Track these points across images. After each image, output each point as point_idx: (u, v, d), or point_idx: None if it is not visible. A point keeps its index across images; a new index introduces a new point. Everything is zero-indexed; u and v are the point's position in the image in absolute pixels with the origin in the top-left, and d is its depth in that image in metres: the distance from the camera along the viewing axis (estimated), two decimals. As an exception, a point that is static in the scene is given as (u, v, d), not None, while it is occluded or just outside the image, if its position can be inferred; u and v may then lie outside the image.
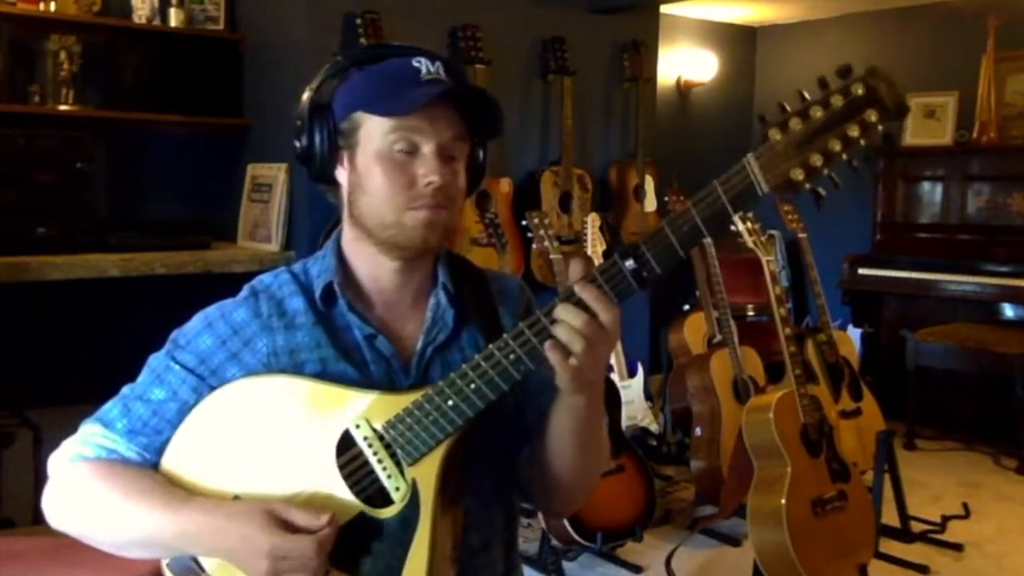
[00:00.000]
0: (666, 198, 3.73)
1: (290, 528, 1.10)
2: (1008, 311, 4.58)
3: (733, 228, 2.97)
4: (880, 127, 1.04)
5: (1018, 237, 4.51)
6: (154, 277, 3.14)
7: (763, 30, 6.06)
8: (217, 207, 3.77)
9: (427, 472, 1.14)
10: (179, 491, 1.17)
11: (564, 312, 1.07)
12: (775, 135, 1.05)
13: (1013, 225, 4.56)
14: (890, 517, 3.20)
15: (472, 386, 1.12)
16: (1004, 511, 3.67)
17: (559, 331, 1.08)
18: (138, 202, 3.69)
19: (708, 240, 3.60)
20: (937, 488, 3.88)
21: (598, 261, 3.45)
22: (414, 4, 3.61)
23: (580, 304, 1.07)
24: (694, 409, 3.42)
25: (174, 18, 3.57)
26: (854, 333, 4.65)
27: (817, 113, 1.04)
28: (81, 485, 1.19)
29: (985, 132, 4.69)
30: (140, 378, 1.26)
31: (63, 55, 3.37)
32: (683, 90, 5.73)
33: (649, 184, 4.27)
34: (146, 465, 1.21)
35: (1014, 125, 4.75)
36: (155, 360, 1.26)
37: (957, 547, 3.25)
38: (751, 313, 4.52)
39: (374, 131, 1.19)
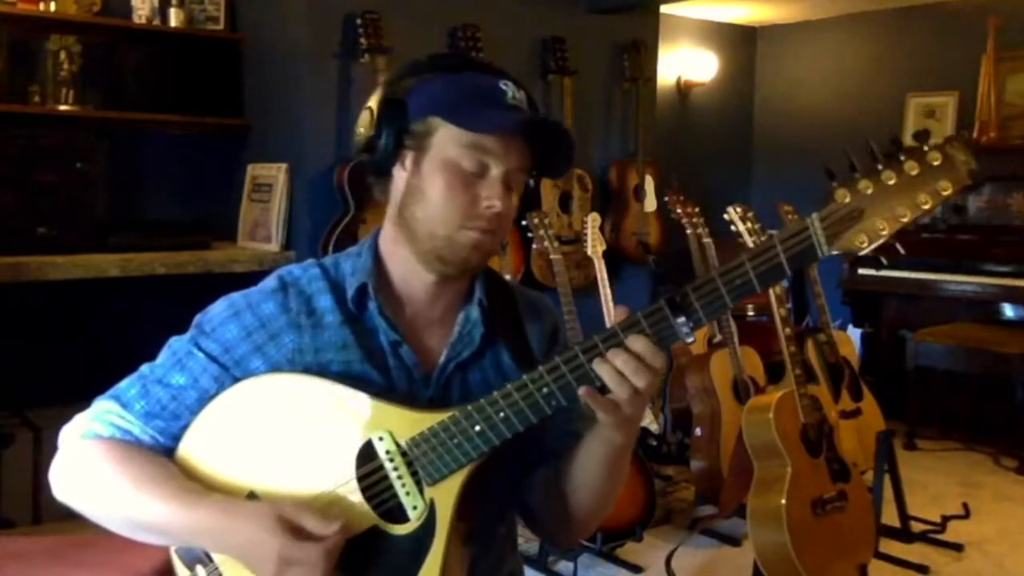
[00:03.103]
0: (666, 198, 3.73)
1: (300, 533, 1.09)
2: (1008, 311, 4.57)
3: (733, 228, 2.97)
4: (951, 198, 1.00)
5: (1018, 237, 4.50)
6: (154, 277, 3.14)
7: (763, 30, 6.06)
8: (217, 207, 3.77)
9: (446, 494, 1.13)
10: (195, 485, 1.16)
11: (616, 360, 1.06)
12: (842, 196, 1.00)
13: (1013, 225, 4.55)
14: (890, 517, 3.20)
15: (501, 415, 1.10)
16: (1004, 511, 3.67)
17: (609, 380, 1.06)
18: (138, 202, 3.69)
19: (708, 240, 3.61)
20: (937, 488, 3.88)
21: (598, 261, 3.47)
22: (414, 4, 3.61)
23: (628, 351, 1.06)
24: (694, 409, 3.42)
25: (174, 18, 3.57)
26: (854, 333, 4.65)
27: (890, 179, 0.99)
28: (93, 464, 1.18)
29: (985, 132, 4.68)
30: (160, 360, 1.24)
31: (63, 55, 3.37)
32: (683, 90, 5.73)
33: (649, 184, 4.27)
34: (159, 450, 1.20)
35: (1014, 125, 4.75)
36: (177, 343, 1.23)
37: (957, 547, 3.25)
38: (751, 313, 4.52)
39: (448, 141, 1.17)
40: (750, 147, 6.15)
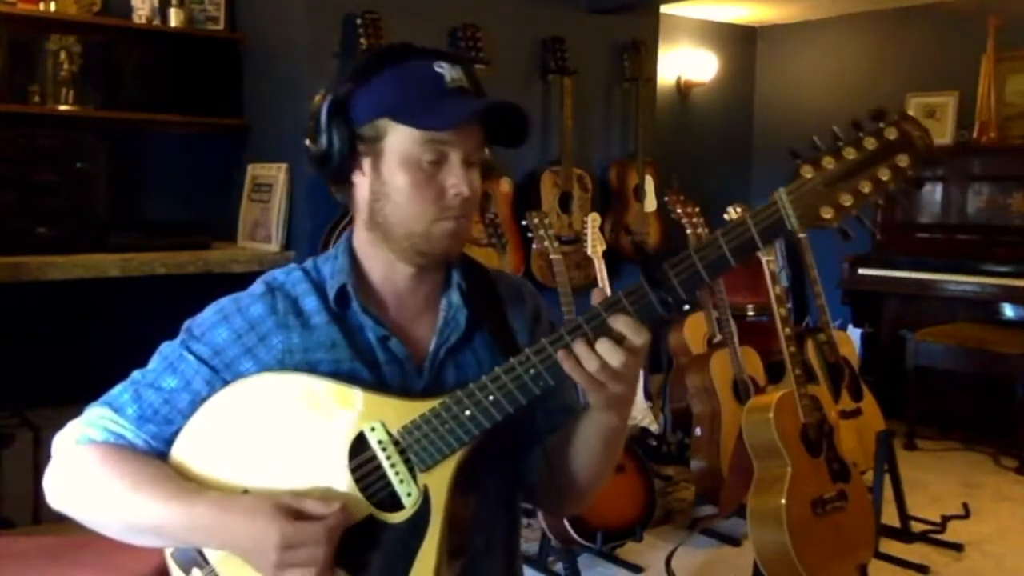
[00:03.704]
0: (666, 198, 3.73)
1: (299, 516, 1.11)
2: (1008, 311, 4.57)
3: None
4: (910, 172, 1.05)
5: (1018, 237, 4.50)
6: (154, 277, 3.14)
7: (763, 30, 6.07)
8: (217, 207, 3.77)
9: (440, 480, 1.14)
10: (191, 484, 1.17)
11: (599, 345, 1.07)
12: (807, 172, 1.06)
13: (1013, 225, 4.55)
14: (890, 517, 3.20)
15: (490, 398, 1.12)
16: (1004, 511, 3.67)
17: (585, 361, 1.08)
18: (138, 202, 3.69)
19: (708, 240, 3.60)
20: (937, 488, 3.88)
21: (598, 261, 3.47)
22: (414, 4, 3.61)
23: (611, 332, 1.07)
24: (694, 409, 3.42)
25: (174, 18, 3.57)
26: (854, 333, 4.65)
27: (850, 154, 1.05)
28: (88, 468, 1.18)
29: (985, 132, 4.69)
30: (151, 365, 1.25)
31: (63, 55, 3.37)
32: (683, 90, 5.73)
33: (649, 184, 4.27)
34: (153, 454, 1.21)
35: (1014, 125, 4.75)
36: (168, 348, 1.25)
37: (957, 547, 3.25)
38: (751, 313, 4.52)
39: (402, 141, 1.17)
40: (750, 147, 6.15)
